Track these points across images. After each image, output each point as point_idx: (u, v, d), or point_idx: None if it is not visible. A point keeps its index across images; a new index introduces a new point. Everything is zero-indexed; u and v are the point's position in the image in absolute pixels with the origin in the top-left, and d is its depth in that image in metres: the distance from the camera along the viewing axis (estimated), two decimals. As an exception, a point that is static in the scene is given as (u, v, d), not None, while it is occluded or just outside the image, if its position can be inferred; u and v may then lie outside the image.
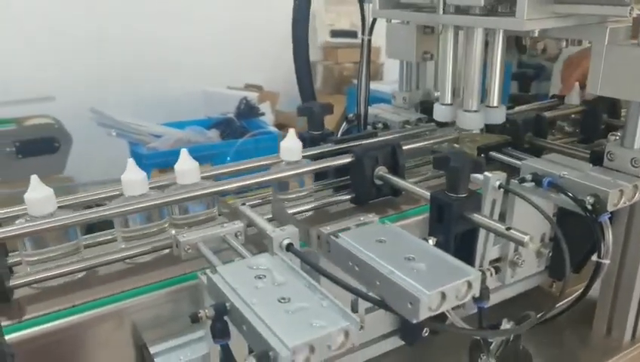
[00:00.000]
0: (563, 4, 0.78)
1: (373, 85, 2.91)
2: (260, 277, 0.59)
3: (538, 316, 0.79)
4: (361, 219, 0.73)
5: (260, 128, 2.96)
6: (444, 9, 0.91)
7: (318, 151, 0.94)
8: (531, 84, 1.35)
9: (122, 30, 3.14)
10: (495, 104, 0.98)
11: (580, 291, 0.81)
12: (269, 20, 3.52)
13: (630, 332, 0.95)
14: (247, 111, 3.03)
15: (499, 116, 1.00)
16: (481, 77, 0.97)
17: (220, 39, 3.48)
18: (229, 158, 2.57)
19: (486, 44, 0.95)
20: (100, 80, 3.08)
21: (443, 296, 0.56)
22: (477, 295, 0.59)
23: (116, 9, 3.11)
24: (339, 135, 1.18)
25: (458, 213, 0.73)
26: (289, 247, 0.67)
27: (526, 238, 0.68)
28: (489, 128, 1.01)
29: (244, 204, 0.76)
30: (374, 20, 1.11)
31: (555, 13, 0.80)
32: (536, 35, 0.82)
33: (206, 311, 0.55)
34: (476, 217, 0.73)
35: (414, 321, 0.55)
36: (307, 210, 0.86)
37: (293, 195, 0.88)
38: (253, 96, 3.21)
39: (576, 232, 0.83)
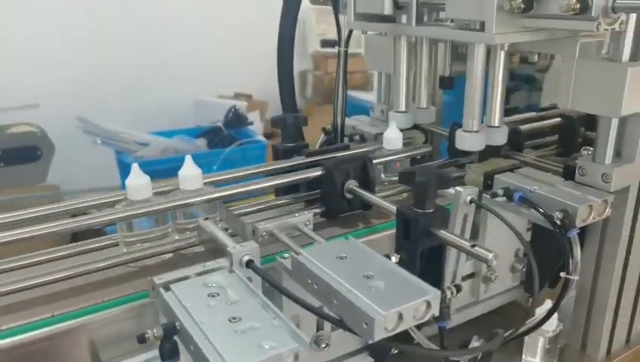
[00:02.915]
0: (532, 18, 0.78)
1: (363, 95, 2.89)
2: (214, 296, 0.57)
3: (507, 333, 0.78)
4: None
5: (249, 137, 2.96)
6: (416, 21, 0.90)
7: (290, 164, 0.93)
8: (511, 96, 1.34)
9: (109, 38, 3.13)
10: (496, 124, 0.93)
11: (550, 307, 0.80)
12: (261, 30, 3.53)
13: (605, 348, 0.94)
14: (236, 120, 3.03)
15: (501, 137, 0.94)
16: (483, 95, 0.91)
17: (212, 47, 3.48)
18: (215, 167, 2.56)
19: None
20: (87, 87, 3.07)
21: (400, 316, 0.55)
22: (437, 314, 0.58)
23: (102, 16, 3.11)
24: (317, 146, 1.17)
25: (424, 228, 0.72)
26: (249, 264, 0.66)
27: (490, 256, 0.66)
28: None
29: (206, 219, 0.75)
30: (350, 32, 1.10)
31: (525, 27, 0.80)
32: (505, 49, 0.81)
33: (154, 331, 0.54)
34: (442, 233, 0.72)
35: (370, 342, 0.54)
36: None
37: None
38: (241, 105, 3.21)
39: (551, 247, 0.81)
